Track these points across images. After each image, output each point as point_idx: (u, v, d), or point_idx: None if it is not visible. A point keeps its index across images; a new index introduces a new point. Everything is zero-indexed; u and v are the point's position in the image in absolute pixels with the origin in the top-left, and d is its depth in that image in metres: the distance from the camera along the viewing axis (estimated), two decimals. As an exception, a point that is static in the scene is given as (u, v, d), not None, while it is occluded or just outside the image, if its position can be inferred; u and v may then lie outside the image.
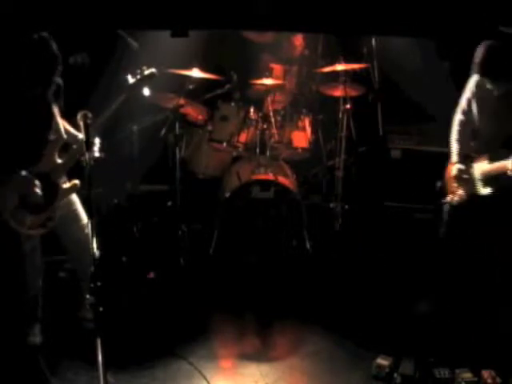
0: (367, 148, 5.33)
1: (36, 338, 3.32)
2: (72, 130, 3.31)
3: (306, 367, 3.38)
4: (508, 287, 3.44)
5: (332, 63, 4.91)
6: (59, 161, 3.19)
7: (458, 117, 3.52)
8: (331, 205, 5.01)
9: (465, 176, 3.42)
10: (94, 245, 2.51)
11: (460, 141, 3.50)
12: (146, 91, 3.46)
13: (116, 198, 4.98)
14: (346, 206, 5.00)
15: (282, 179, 4.54)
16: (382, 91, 4.93)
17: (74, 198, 3.35)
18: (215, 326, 3.80)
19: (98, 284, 2.46)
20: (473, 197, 3.43)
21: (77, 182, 3.26)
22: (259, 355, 3.48)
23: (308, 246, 4.57)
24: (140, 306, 3.91)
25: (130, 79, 3.28)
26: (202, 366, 3.30)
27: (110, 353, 2.45)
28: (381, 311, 3.85)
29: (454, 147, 3.52)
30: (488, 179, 3.35)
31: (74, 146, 3.22)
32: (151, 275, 4.31)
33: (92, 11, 3.41)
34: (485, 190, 3.37)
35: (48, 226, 3.16)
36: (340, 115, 4.92)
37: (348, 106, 4.89)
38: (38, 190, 3.07)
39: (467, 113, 3.48)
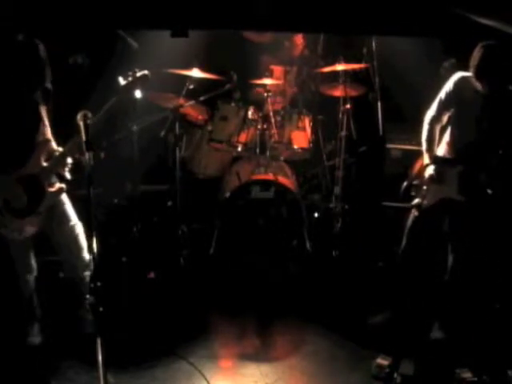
0: (367, 148, 5.33)
1: (35, 338, 3.31)
2: (53, 144, 3.23)
3: (305, 367, 3.38)
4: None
5: (332, 63, 4.91)
6: (45, 164, 3.14)
7: (430, 113, 3.46)
8: (331, 205, 5.01)
9: (439, 179, 3.35)
10: (94, 245, 2.50)
11: (431, 141, 3.44)
12: (138, 93, 3.41)
13: (116, 198, 4.98)
14: (346, 206, 5.00)
15: (282, 179, 4.54)
16: (382, 91, 4.92)
17: (64, 198, 3.30)
18: (215, 326, 3.80)
19: (98, 284, 2.46)
20: (445, 201, 3.37)
21: (63, 185, 3.21)
22: (259, 355, 3.48)
23: (308, 246, 4.57)
24: (140, 305, 3.92)
25: (122, 81, 3.22)
26: (202, 365, 3.30)
27: (110, 353, 2.45)
28: (381, 311, 3.85)
29: (426, 148, 3.45)
30: (461, 185, 3.29)
31: (58, 152, 3.17)
32: (151, 275, 4.31)
33: (92, 11, 3.40)
34: (459, 196, 3.31)
35: (32, 230, 3.12)
36: (340, 115, 4.92)
37: (348, 106, 4.89)
38: (21, 195, 3.04)
39: (441, 111, 3.41)
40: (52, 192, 3.17)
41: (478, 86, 3.20)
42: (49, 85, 3.21)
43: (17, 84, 3.07)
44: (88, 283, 3.18)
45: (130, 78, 3.22)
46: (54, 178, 3.21)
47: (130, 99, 3.39)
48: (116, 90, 3.22)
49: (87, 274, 3.32)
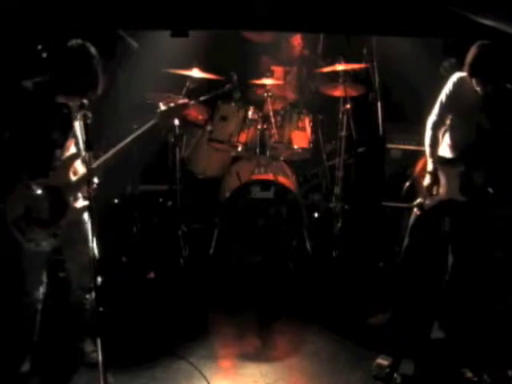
0: (367, 148, 5.33)
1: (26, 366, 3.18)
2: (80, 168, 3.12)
3: (305, 367, 3.38)
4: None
5: (332, 63, 4.91)
6: (73, 178, 3.06)
7: (432, 118, 3.46)
8: (331, 205, 5.01)
9: (433, 190, 3.36)
10: (95, 245, 2.49)
11: (435, 146, 3.44)
12: (177, 121, 3.35)
13: (116, 198, 4.98)
14: (346, 206, 5.00)
15: (282, 179, 4.54)
16: (382, 91, 4.92)
17: (86, 218, 3.16)
18: (215, 326, 3.80)
19: (98, 284, 2.45)
20: (447, 202, 3.36)
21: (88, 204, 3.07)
22: (259, 355, 3.48)
23: (308, 246, 4.57)
24: (140, 305, 3.92)
25: (162, 106, 3.14)
26: (202, 365, 3.30)
27: (109, 353, 2.45)
28: (381, 311, 3.85)
29: (429, 153, 3.45)
30: (463, 185, 3.30)
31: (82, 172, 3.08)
32: (151, 275, 4.31)
33: (92, 11, 3.40)
34: (460, 196, 3.30)
35: (49, 244, 3.02)
36: (340, 115, 4.92)
37: (348, 106, 4.89)
38: (44, 205, 2.96)
39: (443, 113, 3.41)
40: (76, 208, 3.07)
41: (475, 85, 3.20)
42: (85, 101, 3.00)
43: (61, 92, 2.98)
44: (91, 309, 3.03)
45: (171, 104, 3.15)
46: (80, 195, 3.11)
47: (167, 125, 3.31)
48: (155, 114, 3.14)
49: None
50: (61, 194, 3.02)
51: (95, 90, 3.05)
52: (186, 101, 3.24)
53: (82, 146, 3.09)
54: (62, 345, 3.41)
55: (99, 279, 2.53)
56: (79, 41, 3.00)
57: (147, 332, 3.63)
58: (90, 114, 2.62)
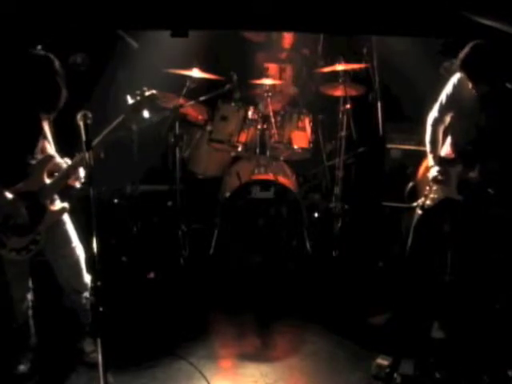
0: (367, 148, 5.33)
1: (25, 366, 3.19)
2: (57, 160, 3.08)
3: (305, 367, 3.38)
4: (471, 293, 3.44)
5: (332, 63, 4.91)
6: (48, 181, 3.00)
7: (432, 115, 3.47)
8: (331, 205, 5.01)
9: (442, 178, 3.36)
10: (94, 245, 2.48)
11: (435, 142, 3.45)
12: (146, 113, 3.31)
13: (116, 198, 4.98)
14: (346, 206, 5.00)
15: (282, 179, 4.54)
16: (382, 91, 4.93)
17: (65, 218, 3.14)
18: (215, 326, 3.80)
19: (98, 284, 2.45)
20: (446, 201, 3.37)
21: (66, 205, 3.09)
22: (259, 355, 3.48)
23: (308, 246, 4.57)
24: (140, 305, 3.92)
25: (130, 100, 3.08)
26: (202, 366, 3.30)
27: (109, 353, 2.45)
28: (381, 311, 3.85)
29: (430, 149, 3.46)
30: (460, 184, 3.30)
31: (62, 168, 3.05)
32: (151, 275, 4.32)
33: (92, 11, 3.40)
34: (459, 196, 3.31)
35: (32, 250, 2.98)
36: (340, 115, 4.92)
37: (348, 106, 4.89)
38: (22, 211, 2.91)
39: (444, 110, 3.42)
40: (53, 211, 3.04)
41: (469, 82, 3.21)
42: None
43: (25, 101, 2.93)
44: (88, 310, 2.96)
45: (137, 98, 3.09)
46: (57, 197, 3.08)
47: (138, 119, 3.26)
48: (123, 108, 3.08)
49: (87, 296, 3.14)
50: (37, 198, 2.97)
51: (56, 105, 3.00)
52: (153, 92, 3.13)
53: (53, 147, 3.08)
54: (62, 345, 3.41)
55: (98, 279, 2.52)
56: (42, 52, 2.95)
57: (147, 332, 3.63)
58: (90, 114, 2.61)
